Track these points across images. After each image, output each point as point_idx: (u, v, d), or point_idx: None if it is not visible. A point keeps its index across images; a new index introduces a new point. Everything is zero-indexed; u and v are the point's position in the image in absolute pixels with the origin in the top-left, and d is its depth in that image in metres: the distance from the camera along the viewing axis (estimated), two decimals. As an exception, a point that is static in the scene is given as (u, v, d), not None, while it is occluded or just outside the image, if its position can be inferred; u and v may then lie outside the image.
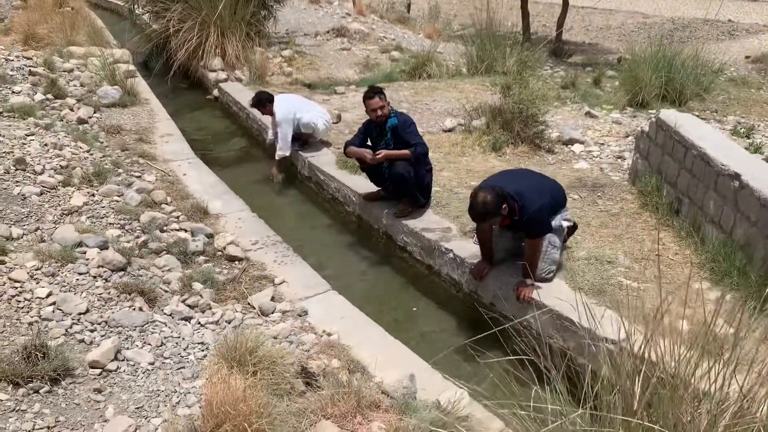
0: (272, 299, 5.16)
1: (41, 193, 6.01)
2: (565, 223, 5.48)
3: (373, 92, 6.46)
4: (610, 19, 28.52)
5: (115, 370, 3.91)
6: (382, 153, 6.37)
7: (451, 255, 5.99)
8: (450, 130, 9.30)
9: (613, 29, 26.29)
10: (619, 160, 8.22)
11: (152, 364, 4.06)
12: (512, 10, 19.38)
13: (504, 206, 4.83)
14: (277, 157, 8.48)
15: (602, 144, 8.84)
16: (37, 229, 5.44)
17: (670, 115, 6.80)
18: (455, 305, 5.79)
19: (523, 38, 17.02)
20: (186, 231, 6.09)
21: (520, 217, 5.01)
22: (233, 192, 7.48)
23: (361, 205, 7.32)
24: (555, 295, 5.01)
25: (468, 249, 5.88)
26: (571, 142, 8.74)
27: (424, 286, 6.15)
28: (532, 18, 21.73)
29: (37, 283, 4.56)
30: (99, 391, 3.70)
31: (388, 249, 6.81)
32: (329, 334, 4.76)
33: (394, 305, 5.87)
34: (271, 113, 8.44)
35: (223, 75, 12.61)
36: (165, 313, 4.69)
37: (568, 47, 20.26)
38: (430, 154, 6.96)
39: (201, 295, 5.01)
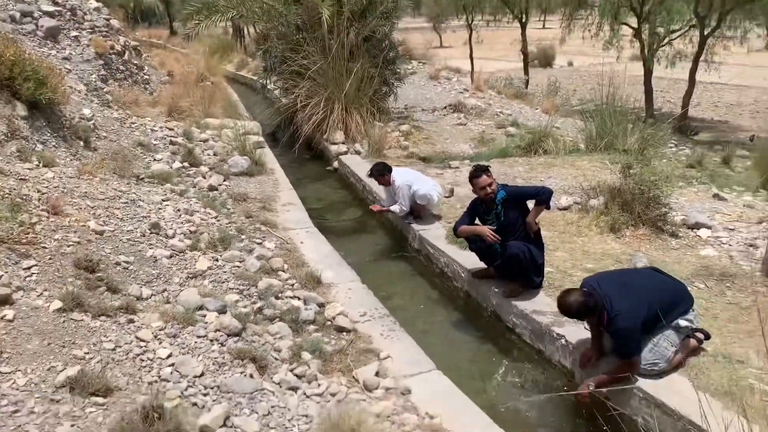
0: (377, 374, 5.16)
1: (171, 256, 6.49)
2: (684, 323, 5.05)
3: (479, 171, 6.47)
4: (742, 95, 27.09)
5: (223, 436, 4.04)
6: (531, 221, 6.29)
7: (563, 341, 5.74)
8: (565, 209, 9.08)
9: (745, 106, 24.92)
10: (751, 248, 7.59)
11: (258, 432, 4.16)
12: (635, 85, 18.99)
13: (592, 312, 4.81)
14: (398, 212, 8.74)
15: (732, 229, 8.24)
16: (164, 290, 5.85)
17: (812, 202, 6.25)
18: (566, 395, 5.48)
19: (645, 114, 16.56)
20: (299, 299, 6.30)
21: (606, 328, 4.84)
22: (345, 262, 7.68)
23: (469, 282, 7.25)
24: (675, 391, 4.65)
25: (581, 335, 5.61)
26: (697, 226, 8.22)
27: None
28: (656, 94, 21.14)
29: (160, 343, 4.87)
30: (207, 455, 3.82)
31: (496, 329, 6.64)
32: (432, 417, 4.66)
33: (500, 390, 5.66)
34: (389, 183, 8.76)
35: (343, 148, 13.22)
36: (274, 382, 4.82)
37: (694, 124, 19.42)
38: (544, 233, 6.82)
39: (309, 365, 5.11)
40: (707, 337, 5.29)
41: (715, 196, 9.66)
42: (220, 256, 6.76)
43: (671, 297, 5.08)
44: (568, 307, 4.85)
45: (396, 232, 8.68)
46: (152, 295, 5.68)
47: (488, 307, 6.88)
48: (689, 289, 5.47)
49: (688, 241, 7.93)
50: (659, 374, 4.89)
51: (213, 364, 4.81)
